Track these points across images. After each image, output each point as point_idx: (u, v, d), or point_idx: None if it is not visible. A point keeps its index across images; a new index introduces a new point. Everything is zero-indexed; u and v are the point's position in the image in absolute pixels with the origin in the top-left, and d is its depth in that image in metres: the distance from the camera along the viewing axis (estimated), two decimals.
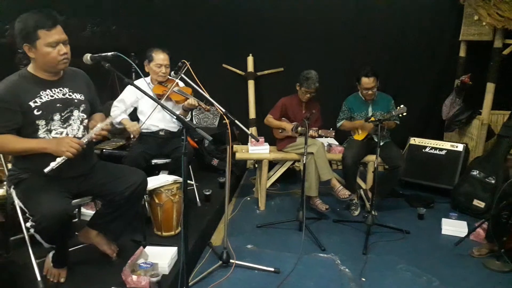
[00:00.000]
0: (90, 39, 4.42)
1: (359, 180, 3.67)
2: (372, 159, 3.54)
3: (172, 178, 2.79)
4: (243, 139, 4.66)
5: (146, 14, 4.76)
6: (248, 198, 3.96)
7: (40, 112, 1.98)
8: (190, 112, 3.21)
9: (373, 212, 3.15)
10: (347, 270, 2.70)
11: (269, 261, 2.71)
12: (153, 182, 2.68)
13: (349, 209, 3.63)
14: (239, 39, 4.80)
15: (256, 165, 4.11)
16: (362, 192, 3.67)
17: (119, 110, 3.04)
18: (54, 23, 1.92)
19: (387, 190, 3.60)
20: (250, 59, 4.82)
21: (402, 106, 3.27)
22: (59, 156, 1.90)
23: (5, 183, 2.77)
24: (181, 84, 3.19)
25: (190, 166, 3.27)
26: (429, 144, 4.16)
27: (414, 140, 4.24)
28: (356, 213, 3.58)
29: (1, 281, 2.08)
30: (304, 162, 3.10)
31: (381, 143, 3.41)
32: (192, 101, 3.03)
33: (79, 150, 1.92)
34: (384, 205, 3.70)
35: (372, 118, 3.35)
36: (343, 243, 3.06)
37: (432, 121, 4.75)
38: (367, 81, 3.46)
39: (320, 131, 3.19)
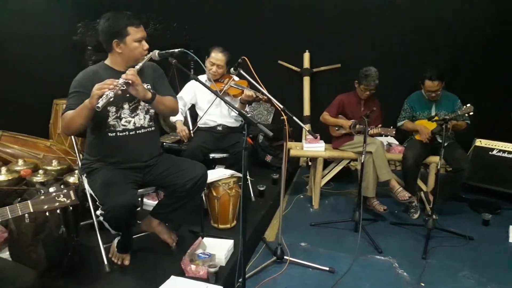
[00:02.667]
0: (152, 36, 4.59)
1: (419, 182, 3.53)
2: (434, 161, 3.38)
3: (229, 172, 2.84)
4: (296, 136, 4.64)
5: (204, 12, 4.86)
6: (301, 196, 3.94)
7: (112, 99, 2.08)
8: (247, 106, 3.24)
9: (434, 216, 3.01)
10: (405, 274, 2.60)
11: (323, 260, 2.68)
12: (211, 175, 2.72)
13: (408, 211, 3.49)
14: (295, 35, 4.77)
15: (310, 163, 4.07)
16: (422, 195, 3.52)
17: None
18: (140, 22, 2.11)
19: (450, 193, 3.44)
20: (306, 55, 4.78)
21: (468, 105, 3.09)
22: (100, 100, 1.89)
23: (76, 171, 2.98)
24: (237, 79, 3.23)
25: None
26: (497, 146, 3.90)
27: (480, 142, 4.00)
28: (416, 216, 3.44)
29: (72, 262, 2.22)
30: (362, 161, 3.03)
31: (445, 144, 3.25)
32: (248, 92, 3.05)
33: (115, 86, 1.91)
34: (445, 209, 3.53)
35: (436, 118, 3.20)
36: (401, 246, 2.96)
37: (501, 122, 4.44)
38: (430, 85, 3.34)
39: (380, 129, 3.10)
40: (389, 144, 3.69)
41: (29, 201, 1.53)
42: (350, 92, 3.58)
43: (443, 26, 4.40)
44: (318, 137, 3.58)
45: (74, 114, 1.99)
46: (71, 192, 1.61)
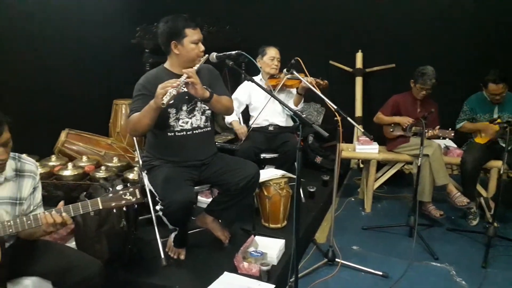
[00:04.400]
0: (206, 39, 4.70)
1: (479, 187, 3.36)
2: (496, 165, 3.20)
3: (280, 172, 2.85)
4: (346, 137, 4.56)
5: (256, 13, 4.92)
6: (353, 199, 3.88)
7: (172, 101, 2.18)
8: (303, 98, 3.24)
9: (495, 223, 2.85)
10: (463, 282, 2.50)
11: (376, 265, 2.62)
12: (262, 175, 2.74)
13: (466, 218, 3.33)
14: (348, 35, 4.71)
15: (362, 165, 3.99)
16: (482, 201, 3.35)
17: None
18: (197, 24, 2.19)
19: None
20: (359, 55, 4.69)
21: None
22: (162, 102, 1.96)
23: (136, 168, 3.13)
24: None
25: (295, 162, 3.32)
26: None
27: None
28: (475, 222, 3.27)
29: (131, 254, 2.34)
30: (418, 164, 2.93)
31: (508, 148, 3.06)
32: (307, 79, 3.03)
33: (176, 86, 1.97)
34: (507, 217, 3.34)
35: (499, 120, 3.03)
36: (459, 253, 2.84)
37: None
38: (495, 88, 3.17)
39: (438, 131, 2.98)
40: (447, 147, 3.54)
41: (98, 199, 1.62)
42: (406, 92, 3.47)
43: (503, 24, 4.15)
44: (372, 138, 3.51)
45: (140, 115, 2.09)
46: (137, 191, 1.68)
